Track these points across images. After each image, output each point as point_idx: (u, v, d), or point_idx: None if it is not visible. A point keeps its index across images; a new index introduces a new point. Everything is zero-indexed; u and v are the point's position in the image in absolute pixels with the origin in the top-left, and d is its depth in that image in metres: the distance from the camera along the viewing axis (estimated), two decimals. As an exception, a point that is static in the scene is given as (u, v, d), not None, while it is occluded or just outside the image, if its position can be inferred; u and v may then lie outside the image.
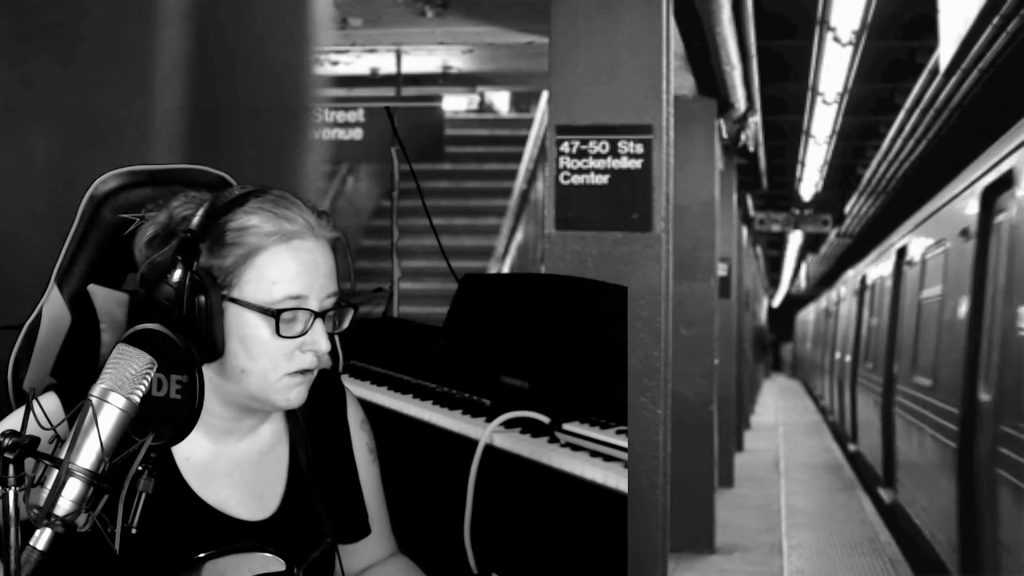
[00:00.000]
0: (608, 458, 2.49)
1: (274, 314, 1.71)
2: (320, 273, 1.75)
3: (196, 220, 1.73)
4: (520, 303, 2.83)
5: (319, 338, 1.75)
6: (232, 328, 1.72)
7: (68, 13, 2.94)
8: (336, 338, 2.08)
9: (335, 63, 10.04)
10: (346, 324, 1.82)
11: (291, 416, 1.91)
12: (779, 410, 22.18)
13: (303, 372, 1.77)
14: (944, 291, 6.86)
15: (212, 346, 1.70)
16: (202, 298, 1.69)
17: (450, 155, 12.58)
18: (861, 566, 7.84)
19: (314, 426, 1.93)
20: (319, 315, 1.75)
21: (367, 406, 2.09)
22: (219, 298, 1.71)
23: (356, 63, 10.30)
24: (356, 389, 2.14)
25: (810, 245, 27.41)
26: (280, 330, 1.72)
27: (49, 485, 1.51)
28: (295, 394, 1.77)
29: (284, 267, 1.72)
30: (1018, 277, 4.99)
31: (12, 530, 1.49)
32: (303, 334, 1.74)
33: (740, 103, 8.28)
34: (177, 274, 1.70)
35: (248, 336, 1.72)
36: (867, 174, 15.75)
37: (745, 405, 15.85)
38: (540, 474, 2.55)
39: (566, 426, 2.59)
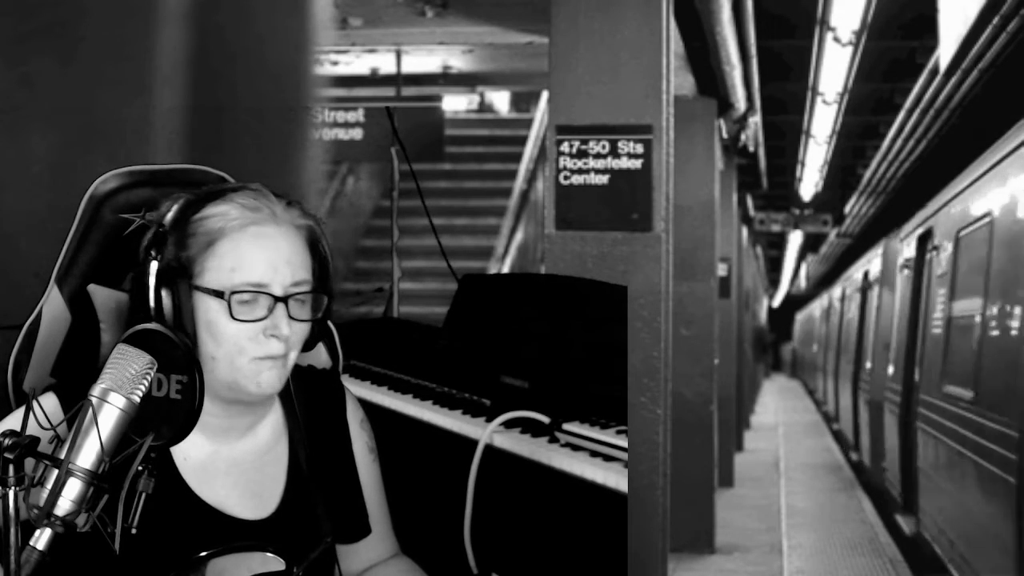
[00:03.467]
0: (608, 458, 2.49)
1: (226, 298, 1.72)
2: (281, 259, 1.75)
3: (169, 216, 1.75)
4: (520, 303, 2.83)
5: (279, 322, 1.74)
6: (200, 316, 1.74)
7: (68, 13, 2.94)
8: (336, 337, 2.09)
9: (335, 63, 10.05)
10: (320, 312, 1.81)
11: (290, 415, 1.91)
12: (779, 410, 22.17)
13: (272, 358, 1.76)
14: (893, 303, 9.67)
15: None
16: (170, 288, 1.71)
17: (450, 155, 12.57)
18: (861, 566, 7.84)
19: (313, 425, 1.93)
20: (281, 300, 1.74)
21: (367, 406, 2.09)
22: (188, 288, 1.73)
23: (356, 63, 10.30)
24: (356, 389, 2.14)
25: (810, 245, 27.41)
26: (234, 313, 1.72)
27: (49, 485, 1.51)
28: (265, 378, 1.76)
29: (242, 253, 1.73)
30: (933, 296, 7.53)
31: (12, 530, 1.49)
32: (264, 319, 1.74)
33: (740, 103, 8.28)
34: (151, 267, 1.72)
35: (212, 322, 1.73)
36: (867, 174, 15.75)
37: (745, 405, 15.85)
38: (540, 474, 2.55)
39: (566, 426, 2.59)
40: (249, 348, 1.74)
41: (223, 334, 1.73)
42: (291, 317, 1.75)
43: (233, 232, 1.74)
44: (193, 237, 1.74)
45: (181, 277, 1.72)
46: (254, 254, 1.74)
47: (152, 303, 1.71)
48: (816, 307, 26.09)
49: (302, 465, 1.89)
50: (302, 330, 1.79)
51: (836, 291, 18.30)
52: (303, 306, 1.78)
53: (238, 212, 1.75)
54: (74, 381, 1.75)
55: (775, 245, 27.63)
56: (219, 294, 1.72)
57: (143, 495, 1.62)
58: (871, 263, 12.22)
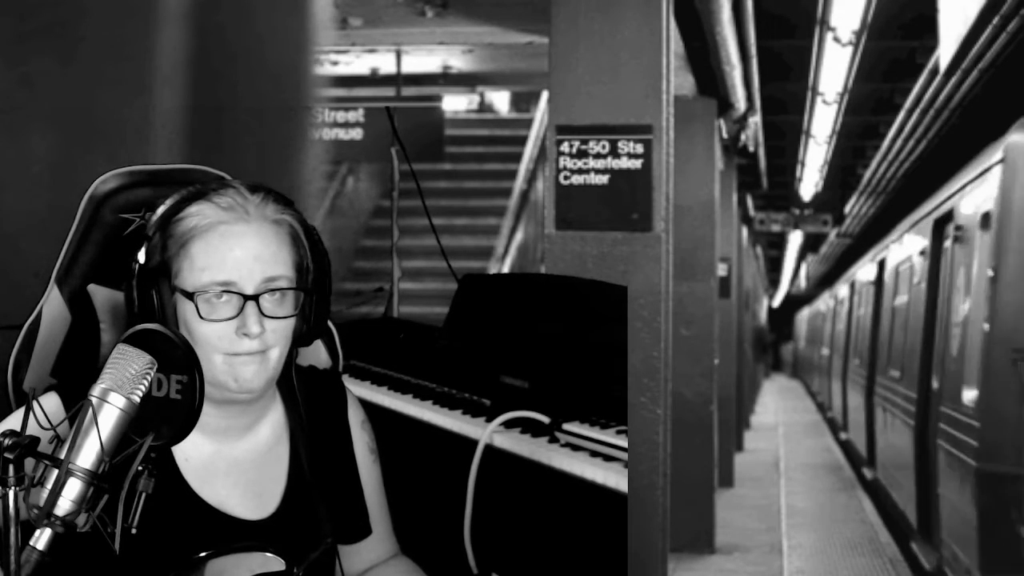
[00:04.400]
0: (608, 458, 2.49)
1: (194, 299, 1.73)
2: (250, 256, 1.75)
3: (155, 217, 1.76)
4: (520, 303, 2.83)
5: (248, 321, 1.74)
6: (179, 316, 1.75)
7: (68, 13, 2.94)
8: (336, 337, 2.08)
9: (335, 63, 10.05)
10: (297, 308, 1.80)
11: (292, 415, 1.91)
12: (779, 410, 22.17)
13: (247, 354, 1.76)
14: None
15: None
16: (152, 289, 1.73)
17: (450, 155, 12.57)
18: (861, 566, 7.84)
19: (315, 426, 1.93)
20: (250, 298, 1.74)
21: (367, 406, 2.09)
22: (169, 288, 1.74)
23: (356, 63, 10.30)
24: (356, 389, 2.14)
25: (810, 245, 27.40)
26: (201, 313, 1.73)
27: (49, 485, 1.51)
28: (242, 375, 1.76)
29: (210, 254, 1.74)
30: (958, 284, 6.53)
31: (12, 530, 1.49)
32: (234, 318, 1.74)
33: (740, 103, 8.28)
34: (134, 268, 1.75)
35: (188, 322, 1.75)
36: (867, 174, 15.75)
37: (745, 405, 15.85)
38: (540, 474, 2.55)
39: (566, 426, 2.59)
40: (224, 346, 1.74)
41: (198, 334, 1.74)
42: (265, 315, 1.75)
43: (204, 232, 1.75)
44: (172, 238, 1.75)
45: (163, 277, 1.74)
46: (222, 253, 1.74)
47: (136, 304, 1.73)
48: (828, 300, 22.69)
49: (303, 465, 1.89)
50: (282, 327, 1.78)
51: (866, 270, 13.26)
52: (280, 303, 1.77)
53: (212, 211, 1.76)
54: (74, 381, 1.75)
55: (775, 245, 27.63)
56: (190, 295, 1.73)
57: (143, 495, 1.62)
58: (961, 200, 6.77)
